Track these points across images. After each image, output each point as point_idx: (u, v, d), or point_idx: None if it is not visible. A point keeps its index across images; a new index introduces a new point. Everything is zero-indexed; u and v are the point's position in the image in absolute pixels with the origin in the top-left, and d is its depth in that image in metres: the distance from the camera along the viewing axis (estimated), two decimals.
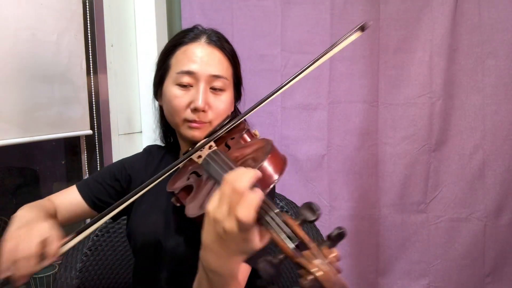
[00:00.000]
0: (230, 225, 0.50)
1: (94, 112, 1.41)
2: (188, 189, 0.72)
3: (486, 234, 1.57)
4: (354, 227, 1.63)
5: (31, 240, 0.62)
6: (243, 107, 0.98)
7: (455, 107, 1.56)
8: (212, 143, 0.76)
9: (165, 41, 1.65)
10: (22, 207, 0.75)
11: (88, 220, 0.78)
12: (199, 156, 0.75)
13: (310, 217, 0.48)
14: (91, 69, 1.38)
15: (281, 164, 0.63)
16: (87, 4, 1.36)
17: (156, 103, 0.94)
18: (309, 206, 0.48)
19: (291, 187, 1.61)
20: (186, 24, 1.60)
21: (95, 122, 1.41)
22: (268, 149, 0.63)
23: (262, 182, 0.59)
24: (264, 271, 0.45)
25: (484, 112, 1.54)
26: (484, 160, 1.55)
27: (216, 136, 0.75)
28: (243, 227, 0.49)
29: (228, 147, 0.78)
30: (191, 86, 0.81)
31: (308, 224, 0.49)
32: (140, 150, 1.01)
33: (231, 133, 0.82)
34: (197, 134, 0.81)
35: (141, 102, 1.64)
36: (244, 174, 0.52)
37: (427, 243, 1.61)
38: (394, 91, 1.58)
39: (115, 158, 1.48)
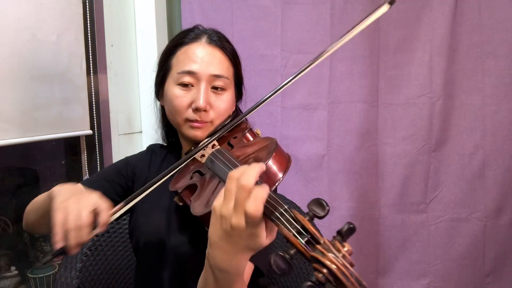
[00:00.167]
0: (237, 220, 0.50)
1: (94, 112, 1.41)
2: (191, 188, 0.72)
3: (486, 234, 1.57)
4: None
5: (82, 210, 0.61)
6: (244, 106, 0.98)
7: (455, 107, 1.56)
8: (215, 142, 0.76)
9: (165, 41, 1.65)
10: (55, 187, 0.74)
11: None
12: (202, 155, 0.75)
13: (320, 212, 0.49)
14: (91, 69, 1.38)
15: (285, 162, 0.63)
16: (87, 4, 1.36)
17: (158, 103, 0.95)
18: (319, 201, 0.49)
19: (291, 187, 1.61)
20: (186, 24, 1.60)
21: (95, 122, 1.41)
22: (273, 148, 0.63)
23: (268, 180, 0.60)
24: (277, 266, 0.46)
25: (484, 112, 1.54)
26: (484, 160, 1.55)
27: (219, 135, 0.75)
28: (251, 221, 0.50)
29: (231, 146, 0.78)
30: (192, 86, 0.82)
31: (317, 220, 0.49)
32: (140, 150, 1.02)
33: (233, 132, 0.82)
34: (199, 133, 0.82)
35: (141, 102, 1.64)
36: (249, 169, 0.52)
37: (427, 243, 1.61)
38: (394, 91, 1.58)
39: (115, 158, 1.48)
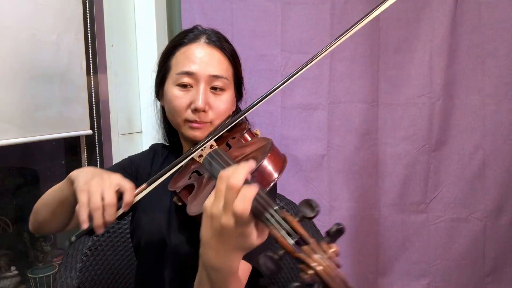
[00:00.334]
0: (226, 220, 0.50)
1: (94, 112, 1.41)
2: (189, 188, 0.73)
3: (486, 234, 1.57)
4: (354, 227, 1.63)
5: (107, 189, 0.62)
6: (244, 107, 0.98)
7: (455, 107, 1.56)
8: (213, 142, 0.76)
9: (165, 41, 1.65)
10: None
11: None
12: (200, 156, 0.75)
13: (309, 213, 0.49)
14: (91, 69, 1.38)
15: (281, 162, 0.63)
16: (87, 4, 1.35)
17: (158, 103, 0.95)
18: (308, 202, 0.49)
19: (291, 187, 1.61)
20: (186, 24, 1.60)
21: (95, 122, 1.41)
22: (268, 148, 0.64)
23: (263, 180, 0.60)
24: (265, 267, 0.46)
25: (484, 112, 1.54)
26: (484, 160, 1.55)
27: (217, 135, 0.76)
28: (239, 221, 0.50)
29: (229, 146, 0.78)
30: (191, 87, 0.82)
31: (307, 221, 0.49)
32: (140, 150, 1.02)
33: (232, 132, 0.83)
34: (198, 134, 0.82)
35: (141, 102, 1.64)
36: (238, 169, 0.52)
37: (427, 243, 1.61)
38: (394, 91, 1.58)
39: (115, 158, 1.48)
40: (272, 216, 0.49)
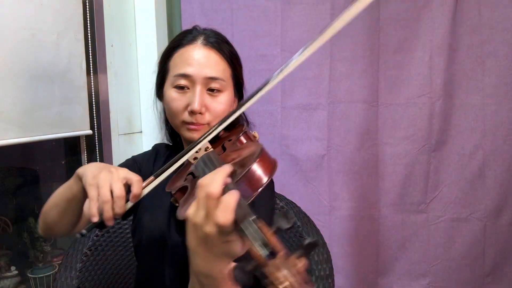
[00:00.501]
0: (209, 229, 0.50)
1: (94, 112, 1.41)
2: (184, 190, 0.73)
3: (486, 234, 1.57)
4: (354, 227, 1.63)
5: (115, 183, 0.63)
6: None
7: (455, 107, 1.56)
8: (208, 144, 0.76)
9: (165, 41, 1.65)
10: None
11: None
12: (195, 158, 0.75)
13: (284, 225, 0.48)
14: (91, 69, 1.38)
15: (270, 167, 0.63)
16: (87, 4, 1.35)
17: (160, 104, 0.95)
18: (284, 214, 0.48)
19: (291, 187, 1.61)
20: (186, 24, 1.60)
21: (95, 122, 1.41)
22: (257, 154, 0.63)
23: (252, 185, 0.60)
24: (238, 278, 0.46)
25: (484, 112, 1.54)
26: (484, 160, 1.55)
27: (208, 134, 0.74)
28: (223, 230, 0.49)
29: (224, 149, 0.78)
30: (188, 89, 0.82)
31: (282, 232, 0.48)
32: (140, 150, 1.03)
33: (229, 134, 0.82)
34: (196, 136, 0.82)
35: (141, 102, 1.64)
36: (215, 177, 0.52)
37: (427, 243, 1.61)
38: (394, 91, 1.58)
39: (115, 158, 1.48)
40: (249, 225, 0.49)
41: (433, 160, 1.58)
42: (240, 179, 0.60)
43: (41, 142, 1.23)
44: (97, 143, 1.43)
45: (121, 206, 0.63)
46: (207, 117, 0.82)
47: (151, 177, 0.69)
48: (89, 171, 0.68)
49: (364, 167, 1.61)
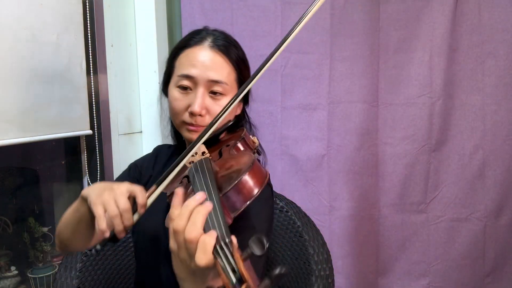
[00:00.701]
0: (195, 265, 0.51)
1: (94, 112, 1.41)
2: None
3: (486, 234, 1.57)
4: (354, 227, 1.62)
5: (119, 197, 0.65)
6: (248, 110, 0.99)
7: (455, 107, 1.56)
8: (205, 149, 0.76)
9: (165, 41, 1.65)
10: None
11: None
12: (191, 162, 0.75)
13: (257, 251, 0.47)
14: (91, 69, 1.38)
15: (261, 179, 0.64)
16: (87, 4, 1.35)
17: (165, 103, 0.96)
18: (259, 239, 0.48)
19: (291, 187, 1.61)
20: (186, 24, 1.60)
21: (95, 122, 1.41)
22: (249, 165, 0.64)
23: (241, 196, 0.61)
24: None
25: (484, 112, 1.54)
26: (484, 160, 1.55)
27: (205, 134, 0.73)
28: (207, 267, 0.51)
29: (220, 155, 0.78)
30: (191, 90, 0.82)
31: (256, 258, 0.48)
32: (140, 150, 1.03)
33: (228, 138, 0.82)
34: (195, 137, 0.82)
35: (141, 102, 1.63)
36: (193, 221, 0.53)
37: (427, 243, 1.61)
38: (394, 91, 1.58)
39: (115, 158, 1.48)
40: (222, 249, 0.49)
41: (433, 160, 1.58)
42: (230, 190, 0.60)
43: (41, 142, 1.23)
44: (97, 143, 1.43)
45: (129, 218, 0.65)
46: (207, 119, 0.82)
47: (153, 186, 0.69)
48: (93, 192, 0.70)
49: (364, 167, 1.61)
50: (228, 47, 0.85)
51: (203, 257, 0.50)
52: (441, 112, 1.56)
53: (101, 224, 0.63)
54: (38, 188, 1.55)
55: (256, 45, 1.59)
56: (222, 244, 0.50)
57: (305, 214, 1.20)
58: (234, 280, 0.46)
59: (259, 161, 0.80)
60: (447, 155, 1.58)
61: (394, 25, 1.55)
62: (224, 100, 0.84)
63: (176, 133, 0.99)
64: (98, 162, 1.44)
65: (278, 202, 1.22)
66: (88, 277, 1.04)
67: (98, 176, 1.42)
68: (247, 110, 0.99)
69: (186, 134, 0.84)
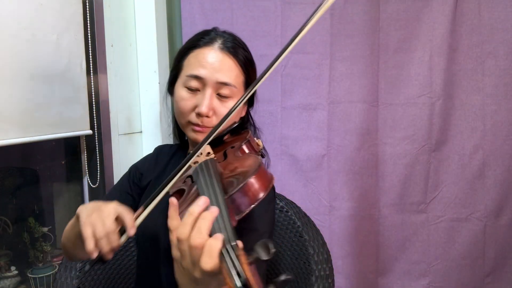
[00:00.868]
0: (199, 274, 0.51)
1: (94, 112, 1.41)
2: (181, 192, 0.73)
3: (486, 234, 1.57)
4: (354, 227, 1.63)
5: (106, 218, 0.65)
6: (253, 113, 0.99)
7: (455, 107, 1.56)
8: (210, 150, 0.76)
9: (165, 41, 1.65)
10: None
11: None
12: (196, 162, 0.75)
13: (263, 256, 0.47)
14: (91, 69, 1.38)
15: (267, 183, 0.64)
16: (87, 4, 1.35)
17: (169, 101, 0.96)
18: (265, 244, 0.48)
19: (291, 187, 1.61)
20: (186, 24, 1.60)
21: (95, 122, 1.41)
22: (255, 168, 0.64)
23: (247, 199, 0.61)
24: None
25: (484, 112, 1.54)
26: (484, 160, 1.55)
27: (212, 135, 0.74)
28: (211, 274, 0.50)
29: (225, 156, 0.78)
30: (198, 91, 0.83)
31: (261, 263, 0.48)
32: (140, 150, 1.03)
33: (233, 140, 0.82)
34: (200, 137, 0.82)
35: (141, 102, 1.63)
36: (198, 228, 0.52)
37: (427, 243, 1.61)
38: (394, 91, 1.58)
39: (115, 158, 1.48)
40: (228, 252, 0.49)
41: (433, 160, 1.58)
42: (236, 192, 0.60)
43: (41, 142, 1.23)
44: (97, 143, 1.43)
45: (115, 240, 0.65)
46: (213, 121, 0.82)
47: (140, 208, 0.69)
48: (84, 211, 0.70)
49: (364, 167, 1.61)
50: (238, 49, 0.86)
51: (209, 261, 0.49)
52: (441, 112, 1.56)
53: (88, 245, 0.64)
54: (38, 188, 1.55)
55: (256, 45, 1.58)
56: (228, 247, 0.49)
57: (305, 214, 1.20)
58: (239, 284, 0.45)
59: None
60: (447, 155, 1.58)
61: (394, 25, 1.55)
62: (231, 102, 0.84)
63: (179, 132, 0.99)
64: (98, 162, 1.44)
65: (278, 202, 1.22)
66: (88, 277, 1.04)
67: (98, 176, 1.42)
68: (252, 113, 0.99)
69: (191, 134, 0.84)
